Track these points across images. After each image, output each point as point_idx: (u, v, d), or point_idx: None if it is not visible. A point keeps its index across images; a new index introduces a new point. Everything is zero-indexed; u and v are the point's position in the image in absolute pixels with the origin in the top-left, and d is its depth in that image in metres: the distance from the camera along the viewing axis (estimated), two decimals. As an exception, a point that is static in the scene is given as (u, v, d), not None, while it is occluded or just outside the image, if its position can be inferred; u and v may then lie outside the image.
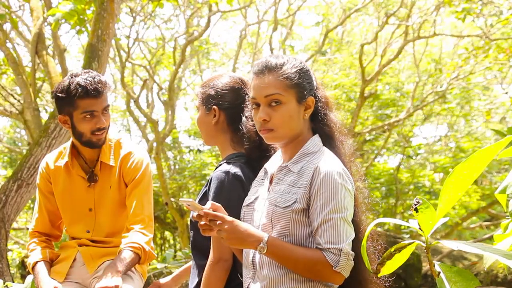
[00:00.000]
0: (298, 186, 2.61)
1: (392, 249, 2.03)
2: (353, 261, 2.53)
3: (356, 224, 2.64)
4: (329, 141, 2.73)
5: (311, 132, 2.76)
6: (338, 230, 2.50)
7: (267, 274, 2.60)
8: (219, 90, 3.10)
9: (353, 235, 2.55)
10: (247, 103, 2.97)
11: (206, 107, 3.11)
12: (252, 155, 3.01)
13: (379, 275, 2.08)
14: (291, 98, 2.67)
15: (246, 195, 2.85)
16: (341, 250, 2.48)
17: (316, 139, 2.72)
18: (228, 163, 2.97)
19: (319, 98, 2.76)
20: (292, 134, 2.69)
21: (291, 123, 2.67)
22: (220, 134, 3.12)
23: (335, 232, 2.50)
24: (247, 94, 2.97)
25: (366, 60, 14.90)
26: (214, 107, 3.08)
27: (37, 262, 3.55)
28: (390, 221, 2.17)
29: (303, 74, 2.72)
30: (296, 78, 2.69)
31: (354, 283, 2.62)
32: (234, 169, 2.92)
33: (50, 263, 3.60)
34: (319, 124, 2.75)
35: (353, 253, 2.52)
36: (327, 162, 2.61)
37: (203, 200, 2.94)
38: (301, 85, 2.70)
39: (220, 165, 3.00)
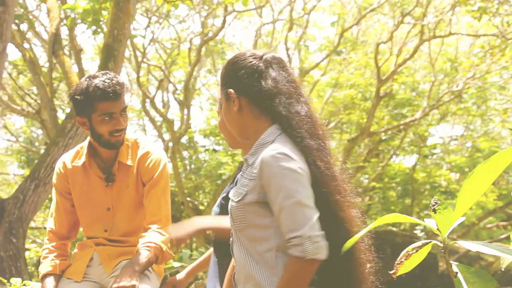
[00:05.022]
0: (250, 178, 2.54)
1: (410, 249, 2.03)
2: (323, 240, 2.37)
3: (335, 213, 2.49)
4: (286, 129, 2.57)
5: (270, 122, 2.64)
6: (293, 217, 2.37)
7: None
8: None
9: (314, 215, 2.38)
10: None
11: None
12: None
13: (396, 275, 2.08)
14: (222, 97, 2.71)
15: None
16: (302, 236, 2.34)
17: (272, 129, 2.60)
18: None
19: (261, 87, 2.62)
20: (235, 129, 2.71)
21: (227, 120, 2.72)
22: None
23: (292, 220, 2.38)
24: None
25: (382, 60, 14.85)
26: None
27: (46, 274, 3.56)
28: (407, 220, 2.17)
29: (228, 68, 2.72)
30: (222, 75, 2.71)
31: (344, 282, 2.51)
32: None
33: (60, 275, 3.60)
34: (273, 113, 2.61)
35: (320, 233, 2.36)
36: (271, 149, 2.49)
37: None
38: (224, 80, 2.71)
39: None
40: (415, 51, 14.21)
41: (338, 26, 16.32)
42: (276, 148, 2.47)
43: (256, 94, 2.61)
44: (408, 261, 2.06)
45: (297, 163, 2.44)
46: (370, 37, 17.55)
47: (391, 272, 2.11)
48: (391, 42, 14.69)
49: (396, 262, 2.07)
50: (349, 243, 2.28)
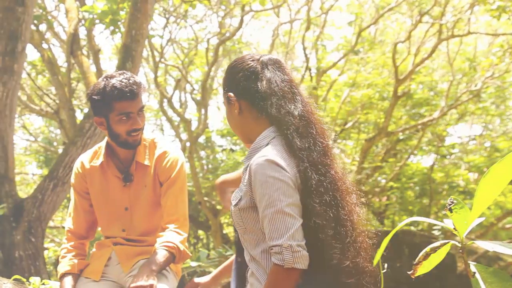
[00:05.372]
0: (244, 183, 2.57)
1: (428, 249, 2.02)
2: (304, 250, 2.39)
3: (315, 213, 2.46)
4: (280, 131, 2.59)
5: (268, 125, 2.66)
6: (275, 226, 2.41)
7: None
8: None
9: (295, 224, 2.40)
10: None
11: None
12: None
13: (415, 275, 2.08)
14: (224, 101, 2.76)
15: None
16: (281, 245, 2.37)
17: (267, 132, 2.63)
18: None
19: (257, 89, 2.64)
20: (238, 133, 2.75)
21: (231, 124, 2.77)
22: None
23: (273, 228, 2.41)
24: None
25: (399, 59, 14.80)
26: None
27: (64, 273, 3.59)
28: (425, 220, 2.17)
29: (228, 72, 2.76)
30: (223, 79, 2.77)
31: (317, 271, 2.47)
32: None
33: (78, 274, 3.63)
34: (267, 115, 2.63)
35: (301, 242, 2.38)
36: (260, 155, 2.51)
37: None
38: (225, 84, 2.75)
39: None
40: (433, 51, 14.14)
41: (356, 25, 16.27)
42: (264, 154, 2.49)
43: (253, 96, 2.64)
44: (427, 262, 2.05)
45: (283, 171, 2.45)
46: (388, 36, 17.49)
47: (409, 272, 2.10)
48: (409, 42, 14.62)
49: (414, 263, 2.07)
50: (378, 255, 2.25)
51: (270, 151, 2.50)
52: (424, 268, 2.08)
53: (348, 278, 2.45)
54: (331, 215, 2.45)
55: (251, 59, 2.71)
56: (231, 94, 2.70)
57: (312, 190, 2.45)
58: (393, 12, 15.68)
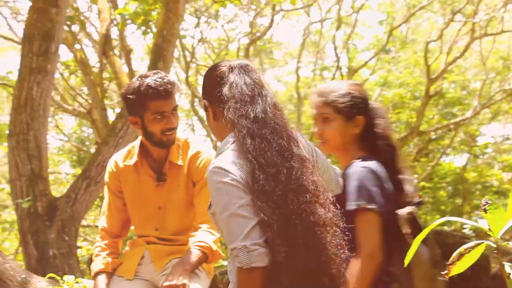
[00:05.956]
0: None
1: (462, 250, 2.01)
2: (261, 248, 2.41)
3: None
4: (235, 134, 2.61)
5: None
6: (229, 229, 2.46)
7: None
8: (358, 99, 3.10)
9: (249, 224, 2.43)
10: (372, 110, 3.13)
11: (346, 116, 3.07)
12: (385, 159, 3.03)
13: (448, 276, 2.06)
14: (202, 107, 2.96)
15: (384, 187, 2.88)
16: (236, 247, 2.42)
17: (228, 138, 2.66)
18: (363, 160, 2.98)
19: (221, 94, 2.66)
20: (218, 138, 2.79)
21: (211, 130, 2.88)
22: (355, 142, 3.10)
23: (229, 232, 2.47)
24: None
25: (431, 58, 14.69)
26: (359, 117, 3.08)
27: (98, 272, 3.62)
28: (458, 220, 2.15)
29: (203, 80, 2.86)
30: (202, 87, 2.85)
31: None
32: (371, 164, 2.93)
33: (112, 273, 3.66)
34: (227, 120, 2.64)
35: (256, 241, 2.41)
36: (213, 162, 2.58)
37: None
38: (202, 92, 2.82)
39: (354, 163, 2.98)
40: (465, 49, 14.03)
41: (387, 24, 16.20)
42: (215, 162, 2.56)
43: (220, 101, 2.65)
44: (461, 262, 2.04)
45: (230, 175, 2.48)
46: (419, 35, 17.39)
47: (443, 273, 2.09)
48: (441, 40, 14.52)
49: (448, 263, 2.05)
50: (409, 255, 2.23)
51: (221, 158, 2.57)
52: (457, 268, 2.06)
53: (298, 277, 2.44)
54: (278, 214, 2.44)
55: (223, 65, 2.73)
56: (205, 100, 2.76)
57: (259, 191, 2.46)
58: (425, 10, 15.59)
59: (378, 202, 2.81)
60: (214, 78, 2.71)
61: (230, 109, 2.59)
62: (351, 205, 2.83)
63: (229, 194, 2.47)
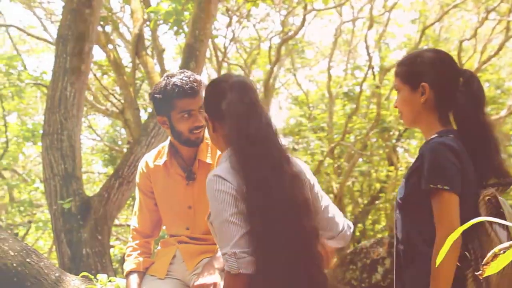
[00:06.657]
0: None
1: (497, 250, 1.98)
2: (248, 256, 2.58)
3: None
4: (229, 151, 2.82)
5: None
6: (221, 235, 2.65)
7: None
8: (427, 66, 2.99)
9: (240, 231, 2.61)
10: (455, 79, 3.00)
11: (412, 85, 2.98)
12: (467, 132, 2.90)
13: (483, 276, 2.04)
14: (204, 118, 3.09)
15: (461, 166, 2.77)
16: (227, 253, 2.59)
17: (226, 153, 2.85)
18: (440, 136, 2.87)
19: (220, 110, 2.83)
20: (218, 149, 3.18)
21: (211, 141, 3.15)
22: (427, 113, 2.97)
23: (221, 237, 2.66)
24: (455, 70, 3.04)
25: (465, 57, 14.56)
26: (424, 84, 2.95)
27: (130, 271, 3.65)
28: (492, 220, 2.13)
29: (205, 93, 3.06)
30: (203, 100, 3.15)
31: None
32: (448, 141, 2.81)
33: (144, 272, 3.68)
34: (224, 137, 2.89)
35: (245, 249, 2.58)
36: (212, 172, 2.78)
37: (413, 176, 2.86)
38: (204, 105, 3.07)
39: (431, 139, 2.89)
40: (500, 48, 13.88)
41: (420, 23, 16.08)
42: (215, 171, 2.76)
43: (217, 116, 2.83)
44: (495, 262, 2.01)
45: (227, 183, 2.67)
46: (453, 34, 17.24)
47: (477, 273, 2.06)
48: (475, 39, 14.39)
49: (482, 263, 2.03)
50: (441, 255, 2.20)
51: (220, 167, 2.77)
52: (492, 269, 2.03)
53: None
54: (267, 228, 2.59)
55: (223, 81, 2.88)
56: (206, 114, 2.92)
57: (250, 204, 2.62)
58: (458, 9, 15.45)
59: (453, 182, 2.71)
60: (214, 94, 2.87)
61: (226, 126, 2.77)
62: (425, 185, 2.75)
63: (224, 201, 2.64)
